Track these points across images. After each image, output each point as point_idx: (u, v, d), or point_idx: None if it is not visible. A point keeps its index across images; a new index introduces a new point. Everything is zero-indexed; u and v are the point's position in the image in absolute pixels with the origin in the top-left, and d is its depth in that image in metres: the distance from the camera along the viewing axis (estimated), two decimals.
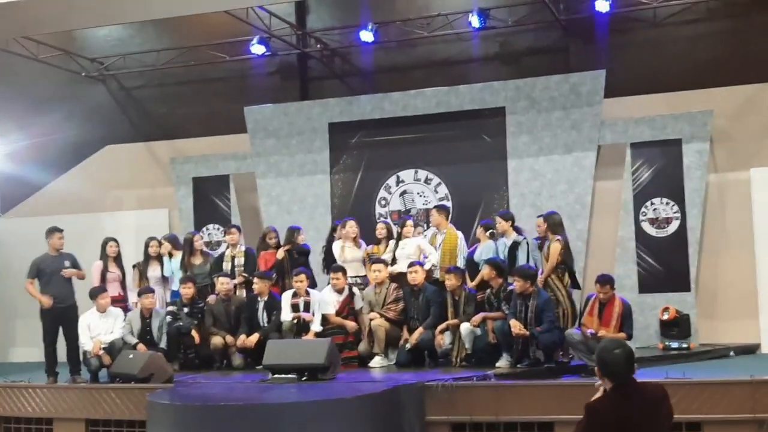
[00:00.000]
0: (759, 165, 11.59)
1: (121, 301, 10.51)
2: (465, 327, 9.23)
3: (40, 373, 9.82)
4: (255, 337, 9.76)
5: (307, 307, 9.76)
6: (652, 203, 11.76)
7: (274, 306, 9.95)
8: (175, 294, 10.55)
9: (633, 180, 11.86)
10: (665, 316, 11.02)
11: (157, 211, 14.07)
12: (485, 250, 9.87)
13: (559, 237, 9.53)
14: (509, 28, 12.94)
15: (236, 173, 13.66)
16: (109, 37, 14.79)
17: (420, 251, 10.04)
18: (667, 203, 11.69)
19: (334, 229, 10.94)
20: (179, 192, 13.82)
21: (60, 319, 9.83)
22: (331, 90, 13.87)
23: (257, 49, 13.47)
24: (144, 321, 9.91)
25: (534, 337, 8.80)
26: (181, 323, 9.98)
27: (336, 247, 10.47)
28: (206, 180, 13.70)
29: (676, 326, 10.94)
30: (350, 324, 9.80)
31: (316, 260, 10.95)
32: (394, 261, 10.14)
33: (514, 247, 9.67)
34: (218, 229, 13.39)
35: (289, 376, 8.29)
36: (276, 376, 8.40)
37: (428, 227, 11.71)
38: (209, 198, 13.67)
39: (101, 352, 9.56)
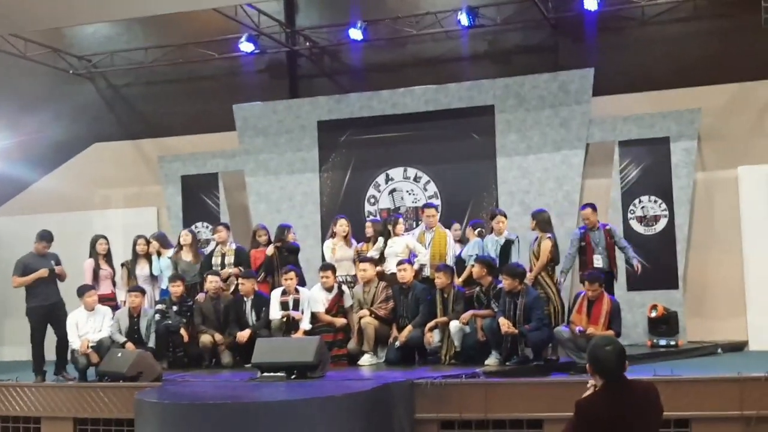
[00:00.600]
0: (746, 163, 11.63)
1: (113, 299, 10.49)
2: (454, 325, 9.24)
3: (28, 372, 9.78)
4: (247, 332, 9.76)
5: (296, 305, 9.75)
6: (640, 201, 11.79)
7: (261, 304, 9.94)
8: (164, 292, 10.51)
9: (621, 178, 11.89)
10: (653, 314, 11.03)
11: (145, 210, 14.02)
12: (472, 246, 9.91)
13: (549, 234, 9.56)
14: (498, 27, 12.94)
15: (225, 171, 13.61)
16: (97, 34, 14.71)
17: (408, 250, 10.05)
18: (655, 201, 11.73)
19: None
20: (167, 190, 13.76)
21: (47, 317, 9.82)
22: (320, 88, 13.83)
23: (246, 47, 13.44)
24: (132, 319, 9.87)
25: (523, 335, 8.82)
26: (169, 321, 9.94)
27: (327, 245, 10.47)
28: (195, 178, 13.63)
29: (664, 324, 10.95)
30: (339, 320, 9.79)
31: (305, 258, 10.91)
32: (382, 259, 10.15)
33: (508, 245, 9.69)
34: (207, 227, 13.31)
35: (278, 374, 8.29)
36: (265, 374, 8.39)
37: (417, 225, 11.70)
38: (198, 196, 13.61)
39: (89, 350, 9.51)
